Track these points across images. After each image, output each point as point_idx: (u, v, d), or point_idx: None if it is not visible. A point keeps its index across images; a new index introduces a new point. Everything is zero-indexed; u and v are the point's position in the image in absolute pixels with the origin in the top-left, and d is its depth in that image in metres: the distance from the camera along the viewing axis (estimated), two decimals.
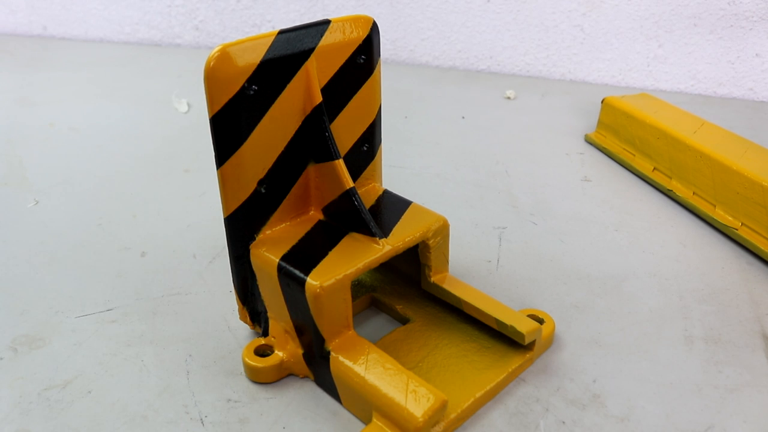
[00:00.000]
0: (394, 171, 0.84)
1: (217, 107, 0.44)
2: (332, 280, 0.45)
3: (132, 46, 1.32)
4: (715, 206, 0.73)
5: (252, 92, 0.45)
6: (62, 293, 0.59)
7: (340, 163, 0.49)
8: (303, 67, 0.47)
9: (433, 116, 1.02)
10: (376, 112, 0.55)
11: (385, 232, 0.50)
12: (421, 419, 0.42)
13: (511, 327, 0.50)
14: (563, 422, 0.47)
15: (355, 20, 0.51)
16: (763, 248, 0.66)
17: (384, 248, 0.48)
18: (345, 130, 0.53)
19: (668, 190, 0.79)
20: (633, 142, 0.85)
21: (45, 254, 0.65)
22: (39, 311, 0.57)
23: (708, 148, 0.73)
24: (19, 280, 0.61)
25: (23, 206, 0.74)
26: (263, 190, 0.48)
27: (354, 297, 0.49)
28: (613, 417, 0.48)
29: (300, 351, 0.49)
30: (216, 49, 0.43)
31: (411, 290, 0.58)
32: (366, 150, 0.55)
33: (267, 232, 0.50)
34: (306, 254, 0.47)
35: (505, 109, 1.07)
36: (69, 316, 0.56)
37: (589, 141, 0.94)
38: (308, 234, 0.50)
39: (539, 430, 0.47)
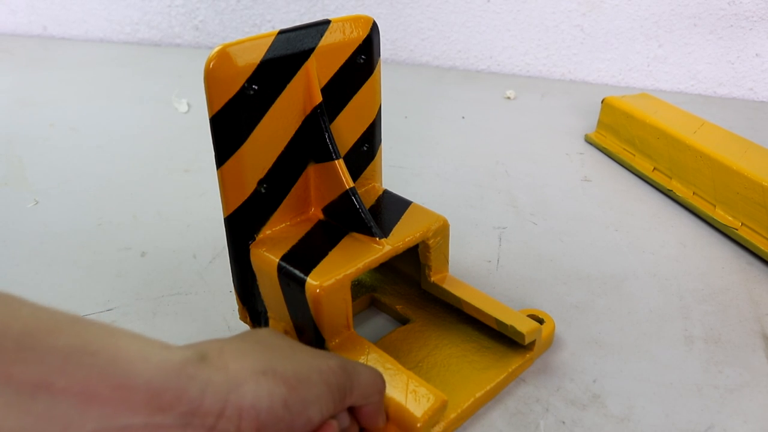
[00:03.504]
0: (394, 171, 0.84)
1: (217, 107, 0.44)
2: (332, 280, 0.45)
3: (132, 46, 1.32)
4: (715, 206, 0.73)
5: (252, 92, 0.45)
6: (62, 293, 0.59)
7: (340, 163, 0.49)
8: (303, 67, 0.47)
9: (433, 116, 1.02)
10: (376, 112, 0.55)
11: (385, 232, 0.50)
12: (421, 419, 0.42)
13: (511, 327, 0.50)
14: (563, 422, 0.47)
15: (355, 20, 0.51)
16: (763, 248, 0.66)
17: (384, 248, 0.48)
18: (345, 130, 0.53)
19: (668, 190, 0.79)
20: (633, 142, 0.85)
21: (45, 254, 0.65)
22: None
23: (708, 148, 0.73)
24: (19, 280, 0.61)
25: (23, 206, 0.74)
26: (263, 190, 0.48)
27: (354, 297, 0.49)
28: (613, 417, 0.48)
29: None
30: (216, 49, 0.43)
31: (411, 290, 0.58)
32: (366, 150, 0.56)
33: (267, 232, 0.50)
34: (306, 254, 0.47)
35: (505, 109, 1.07)
36: None
37: (589, 141, 0.94)
38: (308, 234, 0.50)
39: (539, 430, 0.47)
